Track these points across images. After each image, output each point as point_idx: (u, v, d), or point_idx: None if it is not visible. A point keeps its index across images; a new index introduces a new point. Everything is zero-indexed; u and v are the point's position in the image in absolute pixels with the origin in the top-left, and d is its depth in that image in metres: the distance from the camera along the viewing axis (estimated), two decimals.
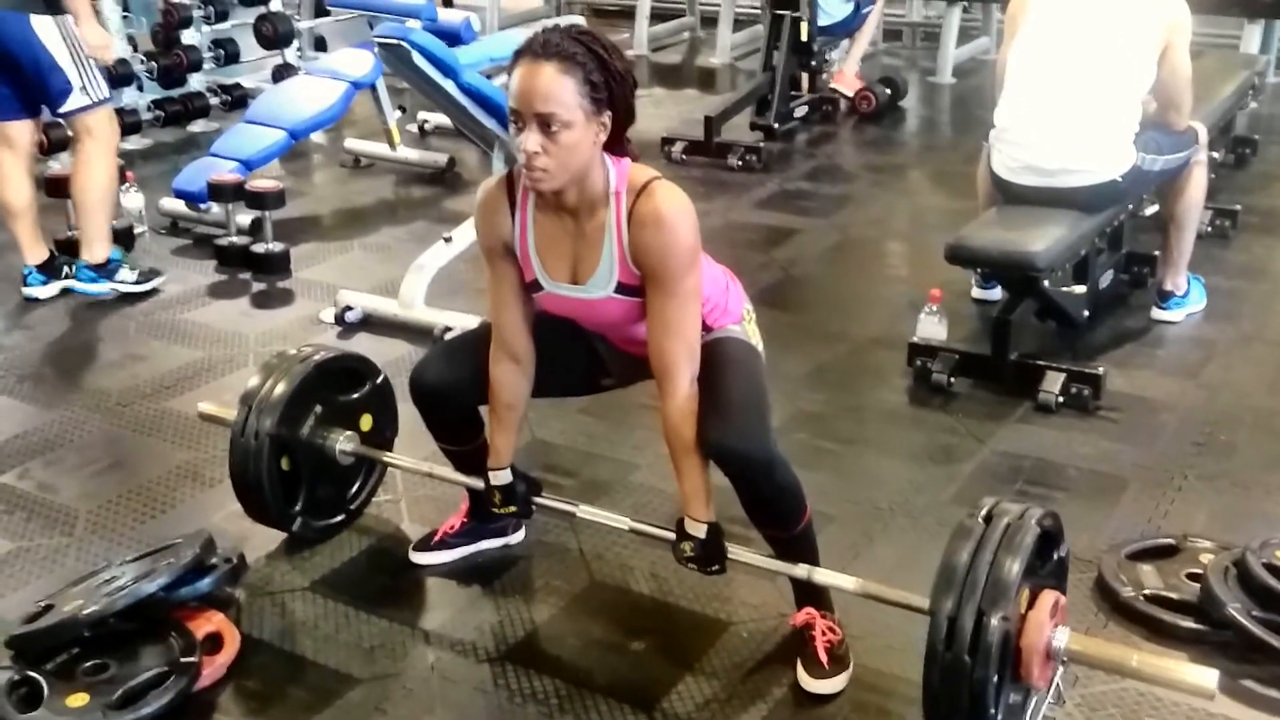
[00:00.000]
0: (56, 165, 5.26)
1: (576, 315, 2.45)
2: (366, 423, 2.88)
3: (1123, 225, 3.98)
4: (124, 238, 4.75)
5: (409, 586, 2.77)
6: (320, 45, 7.71)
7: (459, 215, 4.60)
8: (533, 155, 2.13)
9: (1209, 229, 4.59)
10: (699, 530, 2.32)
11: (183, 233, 5.14)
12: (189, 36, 6.63)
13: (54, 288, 4.46)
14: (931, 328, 3.66)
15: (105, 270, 4.39)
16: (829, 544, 2.70)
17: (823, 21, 6.35)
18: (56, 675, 2.33)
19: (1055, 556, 2.16)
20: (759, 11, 6.92)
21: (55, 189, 4.65)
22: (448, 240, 4.18)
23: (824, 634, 2.43)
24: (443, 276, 4.17)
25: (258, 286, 4.59)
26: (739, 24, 8.34)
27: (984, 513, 2.08)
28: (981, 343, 3.70)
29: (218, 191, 4.80)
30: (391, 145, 5.91)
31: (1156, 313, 4.02)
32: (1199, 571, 2.60)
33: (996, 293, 4.04)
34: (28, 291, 4.44)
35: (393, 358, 3.79)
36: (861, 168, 6.00)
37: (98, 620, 2.38)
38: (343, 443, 2.79)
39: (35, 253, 4.44)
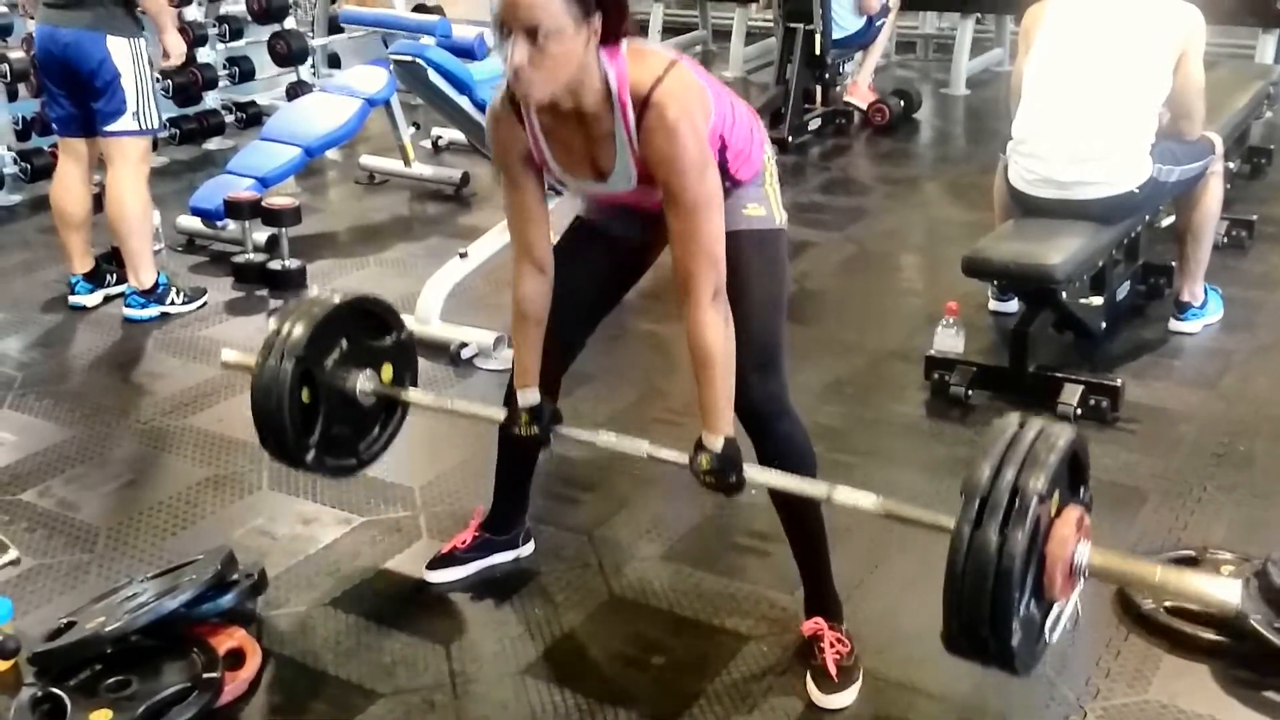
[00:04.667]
0: None
1: (604, 199, 2.44)
2: (387, 372, 2.81)
3: (1139, 236, 3.98)
4: None
5: (429, 601, 2.78)
6: (334, 62, 7.74)
7: (474, 230, 4.62)
8: (520, 68, 2.06)
9: (1225, 239, 4.59)
10: (715, 444, 2.25)
11: (199, 250, 5.16)
12: (204, 54, 6.67)
13: (99, 295, 4.54)
14: (949, 340, 3.66)
15: (154, 294, 4.42)
16: (846, 556, 2.69)
17: (836, 34, 6.36)
18: (79, 692, 2.34)
19: (1081, 488, 2.10)
20: (772, 25, 6.93)
21: None
22: (463, 255, 4.19)
23: (833, 645, 2.43)
24: (459, 292, 4.18)
25: (274, 303, 4.61)
26: (751, 37, 8.36)
27: (1018, 417, 2.04)
28: (999, 355, 3.70)
29: (234, 209, 4.82)
30: (406, 161, 5.93)
31: (1174, 324, 4.02)
32: None
33: (1013, 305, 4.04)
34: (74, 300, 4.51)
35: None
36: (876, 180, 6.00)
37: (120, 637, 2.39)
38: (363, 382, 2.72)
39: (83, 263, 4.51)
